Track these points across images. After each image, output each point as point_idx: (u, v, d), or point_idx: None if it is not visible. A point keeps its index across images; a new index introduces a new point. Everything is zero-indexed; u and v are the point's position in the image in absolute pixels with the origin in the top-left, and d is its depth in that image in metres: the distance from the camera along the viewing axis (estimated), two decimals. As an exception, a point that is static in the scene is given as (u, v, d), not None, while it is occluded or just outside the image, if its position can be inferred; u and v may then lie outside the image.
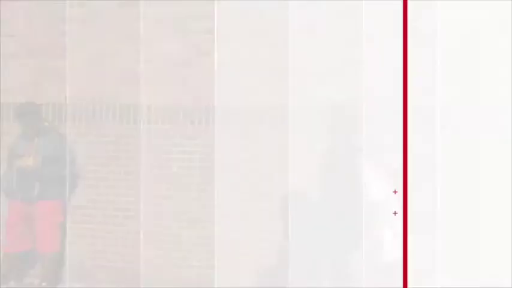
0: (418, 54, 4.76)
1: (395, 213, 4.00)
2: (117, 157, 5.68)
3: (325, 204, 4.83)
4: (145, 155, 5.61)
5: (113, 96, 5.69)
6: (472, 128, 4.66)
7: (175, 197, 5.55)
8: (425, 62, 4.78)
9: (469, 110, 4.67)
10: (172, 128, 5.57)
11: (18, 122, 5.37)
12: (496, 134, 4.56)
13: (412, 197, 4.60)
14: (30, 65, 5.89)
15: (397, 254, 3.60)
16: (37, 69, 5.88)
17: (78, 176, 5.70)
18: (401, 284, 4.38)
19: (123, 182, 5.65)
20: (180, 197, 5.54)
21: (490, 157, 4.60)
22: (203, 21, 5.49)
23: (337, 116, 5.21)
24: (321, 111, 4.85)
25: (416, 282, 4.44)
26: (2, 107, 5.93)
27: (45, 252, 5.38)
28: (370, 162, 3.91)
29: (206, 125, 5.50)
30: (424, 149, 4.83)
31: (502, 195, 4.54)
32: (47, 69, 5.85)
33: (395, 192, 3.98)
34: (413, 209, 4.56)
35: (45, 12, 5.86)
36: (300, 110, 5.28)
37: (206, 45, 5.49)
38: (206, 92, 5.49)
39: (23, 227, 5.41)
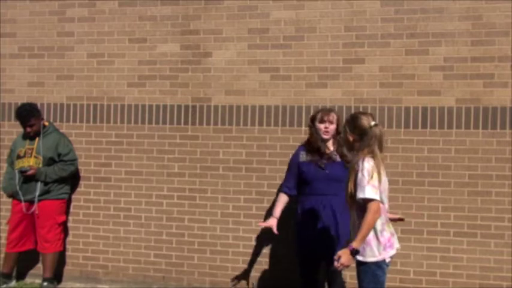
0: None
1: None
2: (117, 157, 5.68)
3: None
4: (145, 155, 5.62)
5: (113, 96, 5.69)
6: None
7: (175, 197, 5.55)
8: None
9: None
10: (172, 128, 5.57)
11: (20, 121, 5.36)
12: None
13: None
14: (30, 65, 5.88)
15: None
16: (37, 69, 5.87)
17: (78, 176, 5.71)
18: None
19: (123, 182, 5.65)
20: (180, 197, 5.54)
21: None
22: (203, 21, 5.51)
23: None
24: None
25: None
26: (2, 107, 5.93)
27: (46, 252, 5.38)
28: None
29: (207, 125, 5.50)
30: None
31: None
32: (47, 69, 5.84)
33: None
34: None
35: (45, 12, 5.85)
36: (299, 110, 5.30)
37: (206, 45, 5.50)
38: (206, 92, 5.50)
39: (24, 227, 5.41)
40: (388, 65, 5.13)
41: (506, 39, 4.93)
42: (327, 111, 4.52)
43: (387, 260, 3.54)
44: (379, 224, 3.49)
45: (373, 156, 3.46)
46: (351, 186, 3.50)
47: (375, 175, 3.40)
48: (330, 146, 4.50)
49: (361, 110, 5.11)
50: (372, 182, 3.38)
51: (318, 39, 5.27)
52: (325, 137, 4.45)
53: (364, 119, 3.55)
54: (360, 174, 3.41)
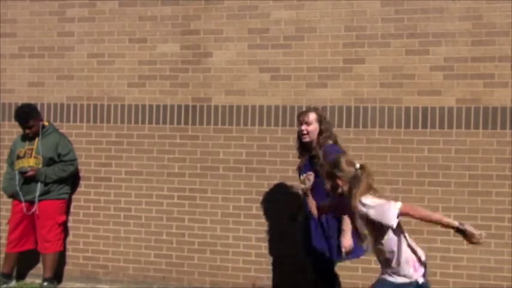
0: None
1: None
2: (117, 157, 5.68)
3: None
4: (145, 155, 5.62)
5: (113, 96, 5.69)
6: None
7: (176, 197, 5.55)
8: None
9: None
10: (173, 128, 5.57)
11: (18, 122, 5.36)
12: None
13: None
14: (31, 65, 5.88)
15: None
16: (37, 69, 5.87)
17: (78, 176, 5.71)
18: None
19: (124, 182, 5.65)
20: (180, 197, 5.54)
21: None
22: (203, 21, 5.51)
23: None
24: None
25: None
26: (2, 107, 5.93)
27: (46, 252, 5.38)
28: None
29: (206, 125, 5.50)
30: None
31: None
32: (47, 69, 5.84)
33: None
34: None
35: (46, 12, 5.85)
36: (299, 110, 5.29)
37: (206, 45, 5.50)
38: (206, 92, 5.50)
39: (25, 227, 5.40)
40: (388, 65, 5.13)
41: (506, 39, 4.93)
42: (305, 111, 4.33)
43: (420, 281, 3.38)
44: (406, 246, 3.40)
45: (370, 190, 3.33)
46: (372, 232, 3.34)
47: (379, 200, 3.28)
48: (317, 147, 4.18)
49: (361, 110, 5.13)
50: (385, 206, 3.25)
51: (318, 39, 5.27)
52: (304, 139, 4.24)
53: (348, 163, 3.38)
54: (372, 212, 3.26)
